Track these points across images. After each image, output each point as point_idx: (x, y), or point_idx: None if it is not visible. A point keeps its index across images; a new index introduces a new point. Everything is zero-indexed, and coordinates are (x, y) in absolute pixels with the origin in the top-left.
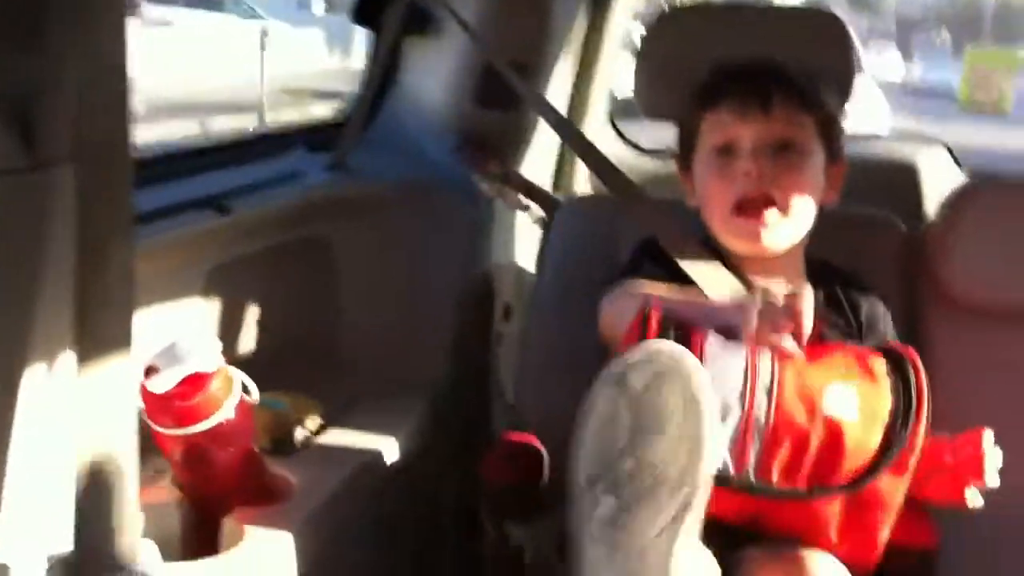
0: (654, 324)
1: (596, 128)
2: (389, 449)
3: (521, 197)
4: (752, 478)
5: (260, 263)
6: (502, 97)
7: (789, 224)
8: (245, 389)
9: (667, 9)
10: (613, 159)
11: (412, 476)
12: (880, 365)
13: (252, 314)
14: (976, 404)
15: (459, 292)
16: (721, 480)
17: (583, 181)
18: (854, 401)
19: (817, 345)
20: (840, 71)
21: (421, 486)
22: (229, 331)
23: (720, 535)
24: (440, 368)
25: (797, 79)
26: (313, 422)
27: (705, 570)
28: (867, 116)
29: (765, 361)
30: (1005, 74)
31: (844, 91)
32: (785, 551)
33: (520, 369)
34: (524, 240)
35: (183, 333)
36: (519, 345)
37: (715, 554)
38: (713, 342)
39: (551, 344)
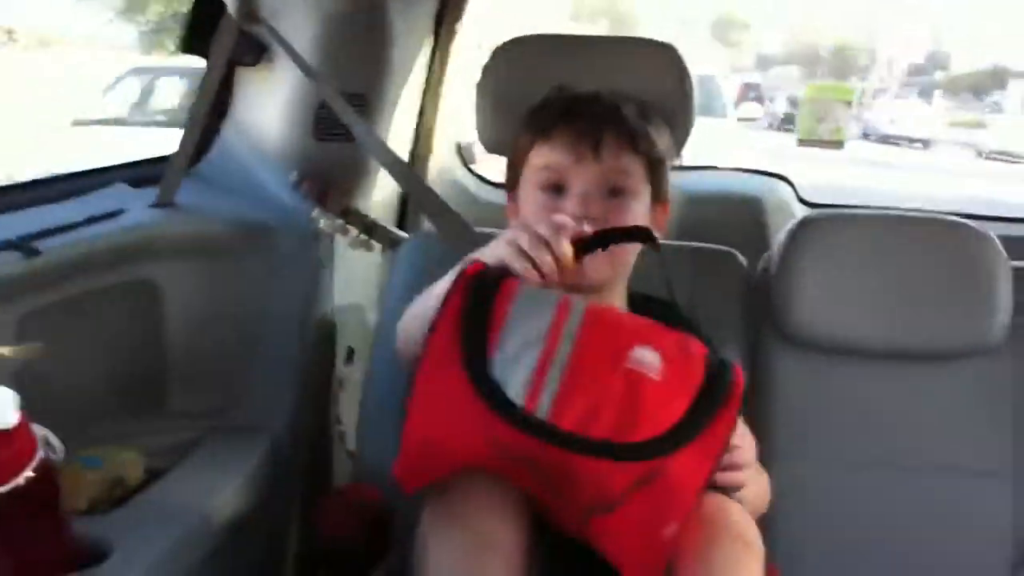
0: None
1: (444, 160)
2: (222, 503)
3: (362, 235)
4: (544, 418)
5: (76, 308)
6: (342, 130)
7: (611, 263)
8: (50, 446)
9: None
10: (461, 192)
11: (248, 531)
12: (699, 350)
13: (68, 364)
14: (814, 441)
15: (299, 335)
16: (510, 416)
17: None
18: (660, 364)
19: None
20: (676, 102)
21: (258, 542)
22: (40, 383)
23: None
24: (279, 415)
25: (629, 119)
26: (137, 477)
27: None
28: (729, 151)
29: (578, 307)
30: (841, 106)
31: (681, 122)
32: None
33: (361, 415)
34: (368, 280)
35: None
36: (362, 390)
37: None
38: (527, 287)
39: (393, 389)
